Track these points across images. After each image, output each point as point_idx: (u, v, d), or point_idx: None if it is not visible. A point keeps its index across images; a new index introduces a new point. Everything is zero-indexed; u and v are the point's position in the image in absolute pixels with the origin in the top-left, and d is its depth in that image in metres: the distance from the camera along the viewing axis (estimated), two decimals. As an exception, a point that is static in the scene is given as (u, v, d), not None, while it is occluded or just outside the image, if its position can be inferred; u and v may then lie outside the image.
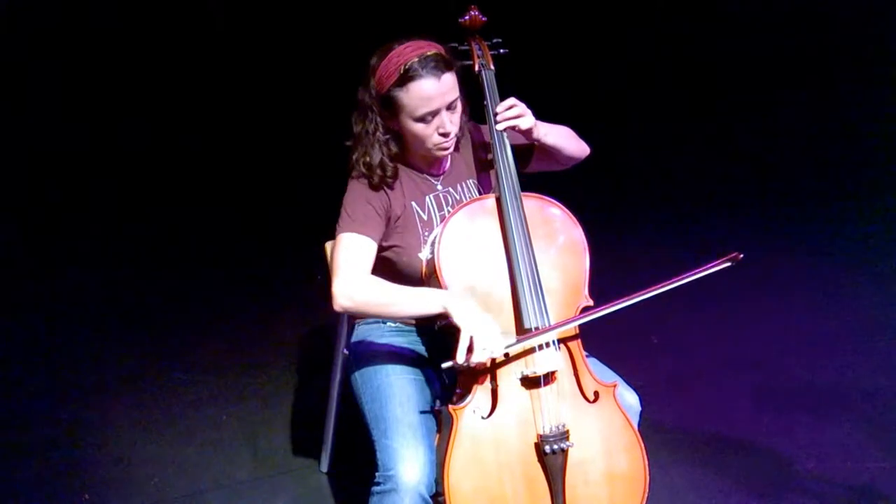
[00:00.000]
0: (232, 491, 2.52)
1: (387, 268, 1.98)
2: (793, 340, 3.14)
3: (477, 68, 1.99)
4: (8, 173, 4.87)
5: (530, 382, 1.79)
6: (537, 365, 1.78)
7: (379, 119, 1.90)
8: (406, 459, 1.76)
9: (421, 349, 2.07)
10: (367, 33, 2.37)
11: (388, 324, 2.10)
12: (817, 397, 2.81)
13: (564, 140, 2.05)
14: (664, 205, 4.43)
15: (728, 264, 1.74)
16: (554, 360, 1.79)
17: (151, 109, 5.59)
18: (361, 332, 2.14)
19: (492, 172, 1.99)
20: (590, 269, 1.89)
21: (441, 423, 1.85)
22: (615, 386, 1.87)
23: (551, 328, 1.78)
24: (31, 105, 5.62)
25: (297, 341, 3.29)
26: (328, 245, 2.12)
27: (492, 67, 2.00)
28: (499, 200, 1.87)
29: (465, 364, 1.70)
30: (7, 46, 5.89)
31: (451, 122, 1.88)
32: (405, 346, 2.06)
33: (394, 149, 1.93)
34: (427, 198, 1.99)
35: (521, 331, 1.79)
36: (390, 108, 1.87)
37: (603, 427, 1.83)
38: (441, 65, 1.83)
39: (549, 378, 1.79)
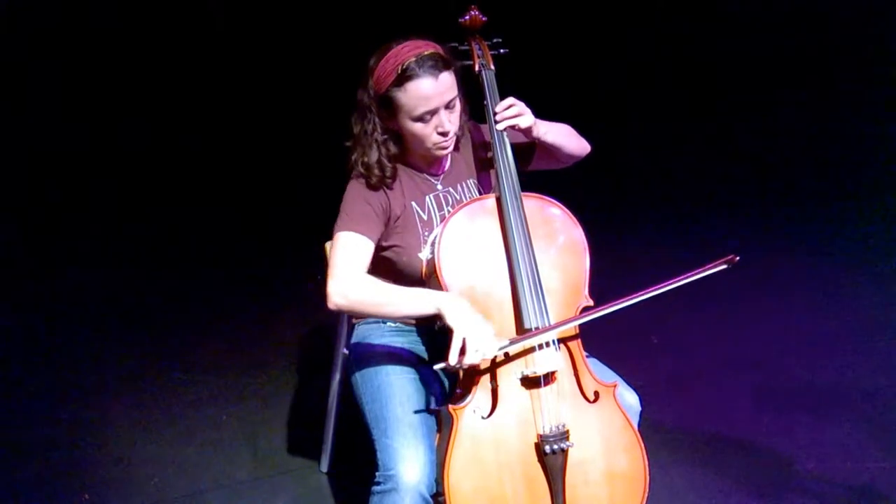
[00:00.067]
0: (232, 491, 2.52)
1: (387, 268, 1.99)
2: (793, 340, 3.14)
3: (477, 68, 1.99)
4: (8, 173, 4.88)
5: (530, 382, 1.79)
6: (537, 365, 1.78)
7: (377, 119, 1.90)
8: (406, 459, 1.76)
9: (421, 349, 2.07)
10: (367, 33, 2.37)
11: (388, 324, 2.10)
12: (817, 397, 2.81)
13: (565, 138, 2.05)
14: (664, 205, 4.43)
15: (724, 266, 1.74)
16: (554, 360, 1.79)
17: (151, 109, 5.60)
18: (361, 332, 2.14)
19: (492, 172, 1.99)
20: (590, 269, 1.89)
21: (441, 422, 1.85)
22: (615, 386, 1.87)
23: (549, 328, 1.78)
24: (31, 105, 5.62)
25: (297, 341, 3.29)
26: (328, 245, 2.11)
27: (492, 67, 2.00)
28: (499, 200, 1.87)
29: (458, 366, 1.70)
30: (7, 46, 5.89)
31: (450, 121, 1.88)
32: (405, 346, 2.06)
33: (392, 149, 1.93)
34: (427, 198, 1.99)
35: (521, 331, 1.79)
36: (389, 108, 1.88)
37: (603, 427, 1.83)
38: (439, 64, 1.83)
39: (549, 378, 1.79)
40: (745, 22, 6.70)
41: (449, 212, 1.93)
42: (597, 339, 2.00)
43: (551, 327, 1.78)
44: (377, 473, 1.80)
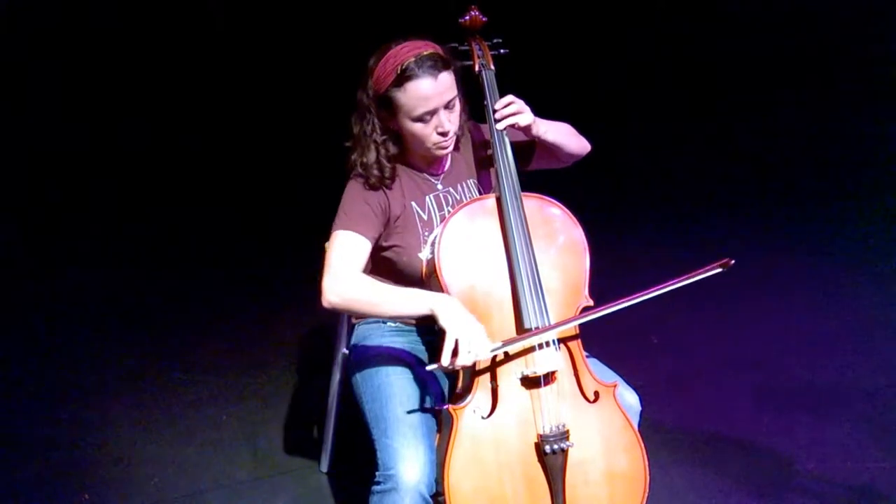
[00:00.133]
0: (232, 491, 2.51)
1: (387, 268, 1.99)
2: (793, 340, 3.14)
3: (477, 68, 1.99)
4: (8, 173, 4.88)
5: (530, 382, 1.79)
6: (537, 365, 1.78)
7: (376, 120, 1.91)
8: (406, 459, 1.76)
9: (421, 349, 2.07)
10: (367, 33, 2.37)
11: (389, 324, 2.10)
12: (817, 397, 2.81)
13: (565, 137, 2.05)
14: (664, 205, 4.43)
15: (719, 270, 1.74)
16: (554, 360, 1.79)
17: (151, 109, 5.60)
18: (361, 332, 2.14)
19: (492, 172, 1.99)
20: (590, 269, 1.89)
21: (441, 423, 1.85)
22: (615, 386, 1.87)
23: (547, 329, 1.78)
24: (31, 105, 5.62)
25: (297, 341, 3.29)
26: (328, 245, 2.12)
27: (492, 67, 2.00)
28: (499, 200, 1.87)
29: (451, 367, 1.70)
30: (7, 46, 5.89)
31: (450, 121, 1.88)
32: (405, 345, 2.06)
33: (391, 149, 1.93)
34: (427, 198, 1.99)
35: (521, 331, 1.79)
36: (388, 109, 1.88)
37: (603, 427, 1.83)
38: (438, 64, 1.83)
39: (549, 378, 1.79)
40: (745, 22, 6.71)
41: (449, 212, 1.93)
42: (597, 339, 2.00)
43: (549, 327, 1.78)
44: (377, 473, 1.80)
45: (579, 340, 1.86)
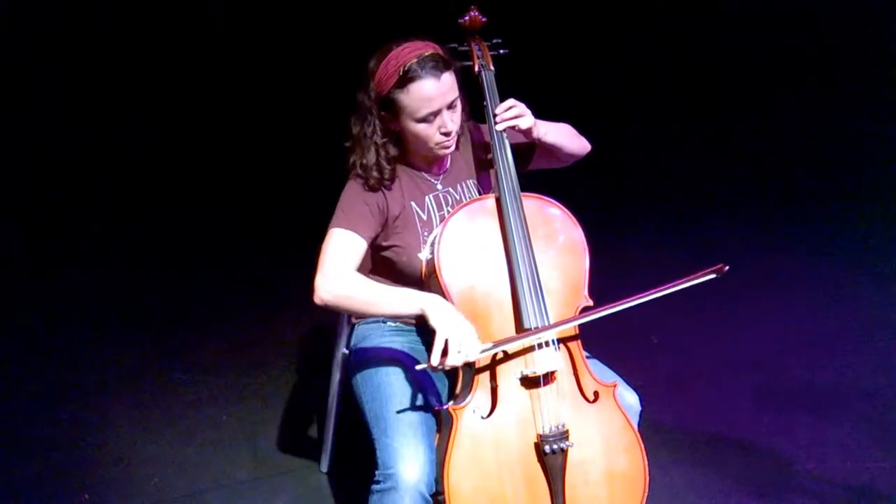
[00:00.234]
0: (232, 491, 2.52)
1: (387, 268, 1.99)
2: (793, 340, 3.14)
3: (477, 69, 1.99)
4: (8, 173, 4.87)
5: (530, 382, 1.79)
6: (537, 365, 1.78)
7: (378, 122, 1.91)
8: (406, 458, 1.76)
9: (421, 349, 2.07)
10: (367, 34, 2.37)
11: (388, 324, 2.10)
12: (817, 397, 2.81)
13: (565, 138, 2.06)
14: (664, 205, 4.43)
15: (713, 276, 1.74)
16: (553, 360, 1.79)
17: (151, 109, 5.60)
18: (361, 332, 2.14)
19: (492, 172, 1.99)
20: (590, 270, 1.89)
21: (441, 422, 1.85)
22: (615, 386, 1.87)
23: (545, 329, 1.77)
24: (31, 105, 5.62)
25: (297, 341, 3.29)
26: (324, 243, 2.11)
27: (491, 68, 2.00)
28: (498, 200, 1.87)
29: (440, 367, 1.70)
30: (7, 46, 5.89)
31: (453, 120, 1.88)
32: (405, 345, 2.07)
33: (392, 151, 1.93)
34: (427, 198, 1.99)
35: (520, 331, 1.79)
36: (391, 110, 1.88)
37: (603, 427, 1.83)
38: (440, 64, 1.83)
39: (548, 378, 1.79)
40: (745, 22, 6.70)
41: (448, 212, 1.94)
42: (597, 339, 2.00)
43: (547, 328, 1.78)
44: (377, 472, 1.80)
45: (579, 341, 1.86)
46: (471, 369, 1.79)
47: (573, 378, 1.84)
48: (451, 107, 1.87)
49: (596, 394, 1.84)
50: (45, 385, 3.04)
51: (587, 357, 1.89)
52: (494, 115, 1.92)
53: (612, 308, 1.77)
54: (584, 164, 2.17)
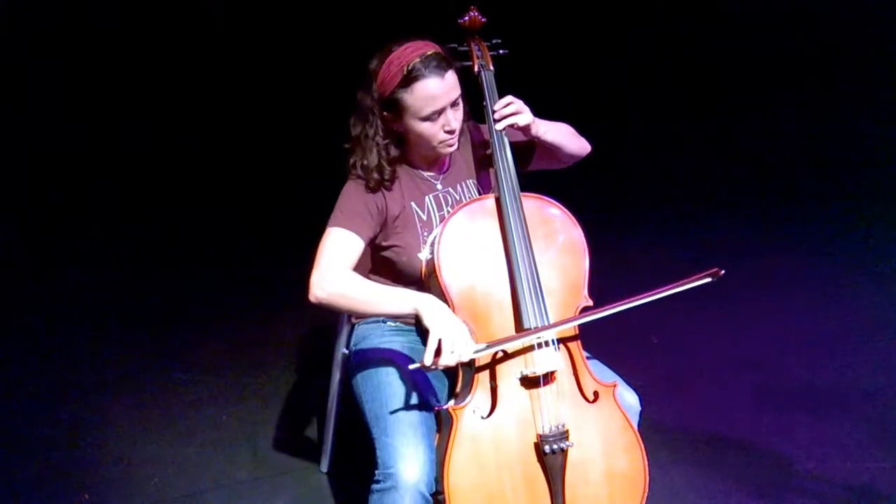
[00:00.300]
0: (232, 491, 2.52)
1: (387, 268, 1.99)
2: (793, 340, 3.14)
3: (476, 69, 1.99)
4: (8, 173, 4.87)
5: (530, 382, 1.79)
6: (537, 365, 1.78)
7: (380, 122, 1.91)
8: (406, 457, 1.76)
9: (421, 349, 2.05)
10: (367, 34, 2.37)
11: (389, 323, 2.10)
12: (817, 397, 2.81)
13: (564, 137, 2.06)
14: (664, 205, 4.43)
15: (709, 280, 1.74)
16: (553, 360, 1.79)
17: (151, 109, 5.59)
18: (361, 332, 2.14)
19: (491, 172, 1.99)
20: (589, 270, 1.89)
21: (441, 422, 1.85)
22: (615, 386, 1.87)
23: (543, 328, 1.77)
24: (31, 105, 5.62)
25: (297, 341, 3.29)
26: (321, 241, 2.11)
27: (491, 68, 2.00)
28: (498, 201, 1.87)
29: (434, 367, 1.70)
30: (7, 46, 5.89)
31: (456, 118, 1.89)
32: (405, 345, 2.07)
33: (393, 152, 1.93)
34: (427, 198, 1.99)
35: (520, 331, 1.79)
36: (394, 110, 1.88)
37: (602, 427, 1.83)
38: (443, 63, 1.84)
39: (548, 378, 1.79)
40: (745, 22, 6.69)
41: (448, 212, 1.94)
42: (597, 339, 2.00)
43: (545, 327, 1.78)
44: (377, 472, 1.80)
45: (579, 341, 1.86)
46: (470, 369, 1.80)
47: (573, 378, 1.84)
48: (454, 105, 1.87)
49: (596, 394, 1.84)
50: (45, 385, 3.04)
51: (587, 357, 1.89)
52: (493, 113, 1.92)
53: (612, 308, 1.77)
54: (584, 164, 2.17)
